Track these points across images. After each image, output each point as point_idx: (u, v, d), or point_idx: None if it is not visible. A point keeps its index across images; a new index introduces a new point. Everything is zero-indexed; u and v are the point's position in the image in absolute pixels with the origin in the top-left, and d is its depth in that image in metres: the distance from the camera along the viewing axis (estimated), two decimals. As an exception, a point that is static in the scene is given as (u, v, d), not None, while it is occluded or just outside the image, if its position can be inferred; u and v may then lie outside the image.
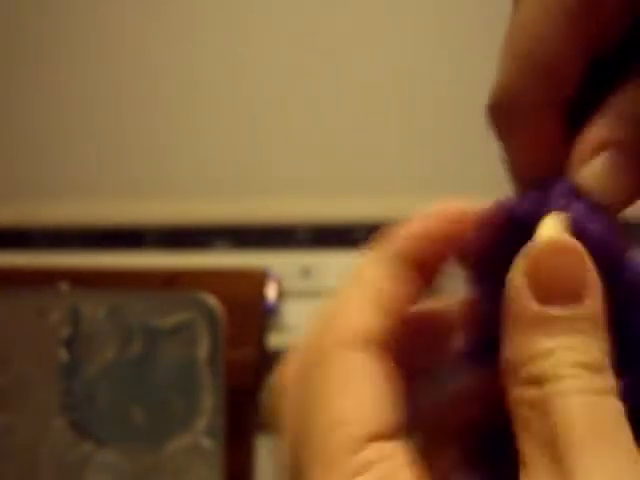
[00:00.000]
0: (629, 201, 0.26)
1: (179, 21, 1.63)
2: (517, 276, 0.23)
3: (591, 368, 0.22)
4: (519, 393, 0.22)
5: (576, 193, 0.26)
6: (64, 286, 0.88)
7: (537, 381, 0.21)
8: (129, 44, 1.63)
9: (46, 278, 0.89)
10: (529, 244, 0.24)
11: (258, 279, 0.91)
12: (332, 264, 1.62)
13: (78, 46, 1.63)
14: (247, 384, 0.88)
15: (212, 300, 0.85)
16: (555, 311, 0.22)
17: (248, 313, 0.89)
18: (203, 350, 0.85)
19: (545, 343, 0.22)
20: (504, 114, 0.28)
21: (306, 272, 1.61)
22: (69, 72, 1.63)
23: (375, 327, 0.24)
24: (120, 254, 1.62)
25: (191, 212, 1.64)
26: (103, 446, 0.86)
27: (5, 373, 0.87)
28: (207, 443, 0.84)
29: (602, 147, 0.26)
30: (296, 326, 1.58)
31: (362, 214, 1.64)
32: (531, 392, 0.22)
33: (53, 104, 1.64)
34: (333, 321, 0.24)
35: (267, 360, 0.91)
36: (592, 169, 0.26)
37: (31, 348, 0.87)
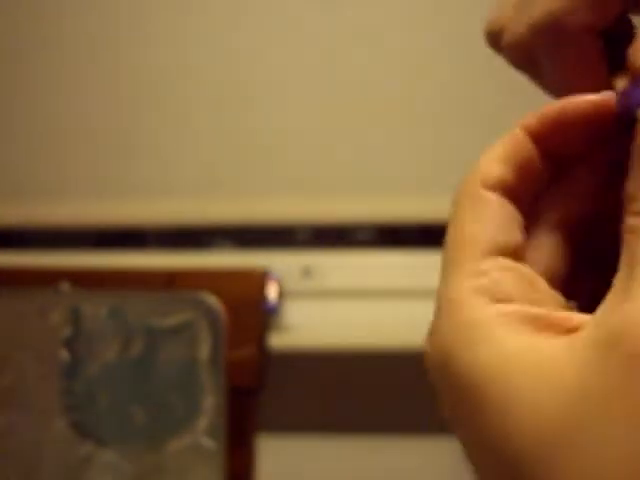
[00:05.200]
0: None
1: (179, 21, 1.63)
2: None
3: None
4: (630, 222, 0.26)
5: None
6: (65, 286, 0.88)
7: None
8: (129, 44, 1.63)
9: (47, 278, 0.89)
10: None
11: (258, 279, 0.91)
12: (332, 264, 1.62)
13: (77, 47, 1.63)
14: (248, 384, 0.88)
15: (213, 300, 0.85)
16: None
17: (248, 313, 0.89)
18: (204, 350, 0.85)
19: None
20: (552, 35, 0.32)
21: (306, 272, 1.61)
22: (68, 72, 1.63)
23: (505, 177, 0.30)
24: (120, 254, 1.62)
25: (191, 212, 1.64)
26: (104, 446, 0.86)
27: (6, 373, 0.87)
28: (208, 443, 0.85)
29: None
30: (296, 326, 1.58)
31: (362, 214, 1.64)
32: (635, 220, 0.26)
33: (53, 104, 1.64)
34: (477, 166, 0.31)
35: (267, 360, 0.91)
36: None
37: (32, 348, 0.87)
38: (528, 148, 0.30)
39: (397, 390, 1.61)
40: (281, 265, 1.56)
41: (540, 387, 0.24)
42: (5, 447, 0.87)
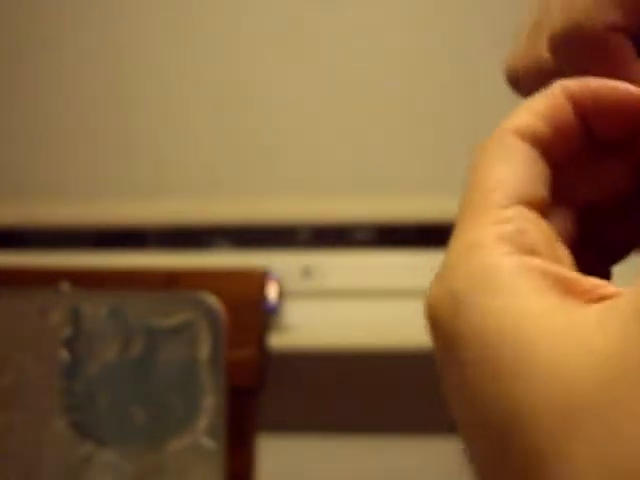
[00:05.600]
0: None
1: (179, 21, 1.63)
2: None
3: None
4: None
5: None
6: (65, 286, 0.88)
7: None
8: (128, 44, 1.63)
9: (47, 278, 0.89)
10: None
11: (258, 279, 0.91)
12: (332, 264, 1.62)
13: (77, 47, 1.63)
14: (248, 384, 0.88)
15: (213, 300, 0.85)
16: None
17: (248, 313, 0.89)
18: (204, 350, 0.85)
19: None
20: (576, 43, 0.30)
21: (306, 272, 1.61)
22: (68, 72, 1.63)
23: (540, 130, 0.28)
24: (120, 254, 1.62)
25: (191, 212, 1.64)
26: (104, 446, 0.86)
27: (6, 373, 0.87)
28: (208, 443, 0.85)
29: None
30: (296, 326, 1.58)
31: (362, 214, 1.64)
32: None
33: (53, 104, 1.64)
34: (512, 116, 0.29)
35: (267, 360, 0.91)
36: None
37: (32, 348, 0.87)
38: (567, 110, 0.28)
39: (397, 390, 1.61)
40: (281, 265, 1.56)
41: (563, 354, 0.22)
42: (5, 447, 0.87)
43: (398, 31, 1.61)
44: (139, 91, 1.63)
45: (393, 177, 1.62)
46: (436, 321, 0.25)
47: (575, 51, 0.31)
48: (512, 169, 0.27)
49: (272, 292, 1.49)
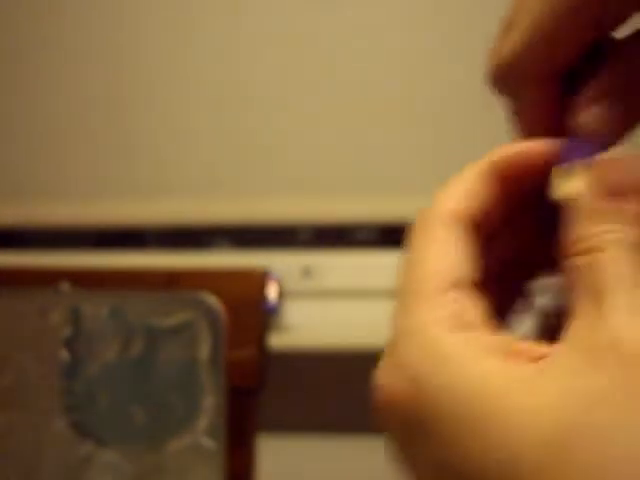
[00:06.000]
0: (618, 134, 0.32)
1: (179, 21, 1.63)
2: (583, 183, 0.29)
3: (633, 243, 0.27)
4: (572, 261, 0.27)
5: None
6: (65, 286, 0.88)
7: (586, 252, 0.27)
8: (127, 43, 1.63)
9: (47, 278, 0.89)
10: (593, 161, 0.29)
11: (258, 279, 0.91)
12: (332, 264, 1.62)
13: (76, 46, 1.63)
14: (248, 384, 0.88)
15: (213, 300, 0.85)
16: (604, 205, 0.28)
17: (248, 313, 0.89)
18: (204, 350, 0.85)
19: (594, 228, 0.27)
20: (513, 78, 0.32)
21: (307, 272, 1.61)
22: (68, 72, 1.63)
23: (469, 211, 0.31)
24: (120, 254, 1.62)
25: (191, 212, 1.64)
26: (104, 446, 0.86)
27: (6, 373, 0.87)
28: (208, 443, 0.85)
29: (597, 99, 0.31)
30: (297, 326, 1.58)
31: (362, 214, 1.64)
32: (581, 259, 0.27)
33: (52, 104, 1.64)
34: (436, 204, 0.32)
35: (267, 360, 0.91)
36: (590, 113, 0.31)
37: (32, 348, 0.87)
38: (492, 184, 0.31)
39: (397, 390, 1.61)
40: (281, 265, 1.56)
41: (508, 408, 0.24)
42: (5, 447, 0.87)
43: (398, 31, 1.61)
44: (139, 91, 1.63)
45: (393, 177, 1.62)
46: (394, 402, 0.28)
47: (505, 88, 0.33)
48: (445, 253, 0.30)
49: (272, 292, 1.49)
